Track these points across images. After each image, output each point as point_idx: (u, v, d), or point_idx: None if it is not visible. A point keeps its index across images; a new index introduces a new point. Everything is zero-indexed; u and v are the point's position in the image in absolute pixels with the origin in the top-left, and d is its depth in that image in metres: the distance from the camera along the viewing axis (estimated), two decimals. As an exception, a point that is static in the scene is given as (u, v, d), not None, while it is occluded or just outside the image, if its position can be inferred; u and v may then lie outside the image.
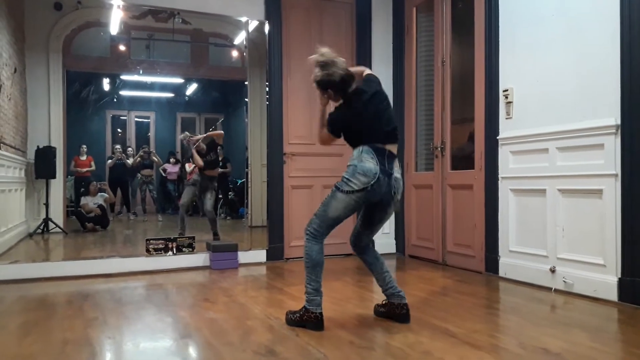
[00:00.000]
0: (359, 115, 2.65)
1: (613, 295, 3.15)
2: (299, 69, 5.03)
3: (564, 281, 3.45)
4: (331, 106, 2.81)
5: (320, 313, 2.65)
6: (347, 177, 2.60)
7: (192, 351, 2.40)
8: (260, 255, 4.85)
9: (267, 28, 4.93)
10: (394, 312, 2.80)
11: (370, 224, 2.79)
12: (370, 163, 2.58)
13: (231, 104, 9.73)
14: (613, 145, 3.15)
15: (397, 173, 2.65)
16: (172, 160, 9.48)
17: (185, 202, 6.09)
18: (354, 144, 2.68)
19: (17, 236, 5.54)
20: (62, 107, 6.41)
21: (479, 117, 4.22)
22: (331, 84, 2.65)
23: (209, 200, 5.89)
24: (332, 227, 2.69)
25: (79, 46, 6.86)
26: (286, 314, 2.79)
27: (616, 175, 3.14)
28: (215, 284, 3.91)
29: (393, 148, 2.68)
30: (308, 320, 2.65)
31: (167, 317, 2.94)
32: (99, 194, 7.38)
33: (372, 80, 2.78)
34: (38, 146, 6.08)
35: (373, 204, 2.69)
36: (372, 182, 2.56)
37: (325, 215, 2.65)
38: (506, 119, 3.98)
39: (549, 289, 3.53)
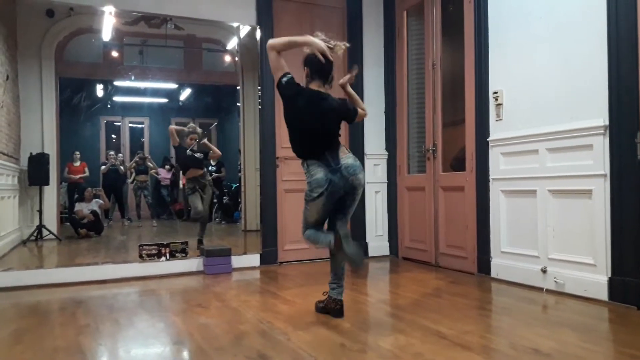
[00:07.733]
0: None
1: (603, 295, 3.16)
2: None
3: (555, 281, 3.47)
4: None
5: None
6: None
7: (184, 357, 2.41)
8: (254, 259, 4.84)
9: (258, 33, 4.93)
10: (330, 307, 3.00)
11: None
12: None
13: (224, 108, 9.77)
14: (602, 145, 3.17)
15: None
16: (166, 166, 9.48)
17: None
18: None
19: (10, 243, 5.53)
20: (55, 113, 6.42)
21: (470, 119, 4.24)
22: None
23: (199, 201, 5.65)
24: None
25: (71, 53, 6.87)
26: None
27: (605, 175, 3.16)
28: (209, 288, 3.91)
29: None
30: None
31: (159, 322, 2.94)
32: (94, 200, 7.36)
33: None
34: (31, 153, 6.08)
35: None
36: None
37: None
38: (496, 120, 4.00)
39: (540, 289, 3.55)
